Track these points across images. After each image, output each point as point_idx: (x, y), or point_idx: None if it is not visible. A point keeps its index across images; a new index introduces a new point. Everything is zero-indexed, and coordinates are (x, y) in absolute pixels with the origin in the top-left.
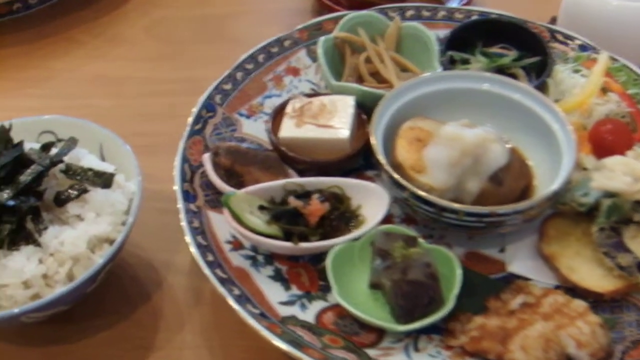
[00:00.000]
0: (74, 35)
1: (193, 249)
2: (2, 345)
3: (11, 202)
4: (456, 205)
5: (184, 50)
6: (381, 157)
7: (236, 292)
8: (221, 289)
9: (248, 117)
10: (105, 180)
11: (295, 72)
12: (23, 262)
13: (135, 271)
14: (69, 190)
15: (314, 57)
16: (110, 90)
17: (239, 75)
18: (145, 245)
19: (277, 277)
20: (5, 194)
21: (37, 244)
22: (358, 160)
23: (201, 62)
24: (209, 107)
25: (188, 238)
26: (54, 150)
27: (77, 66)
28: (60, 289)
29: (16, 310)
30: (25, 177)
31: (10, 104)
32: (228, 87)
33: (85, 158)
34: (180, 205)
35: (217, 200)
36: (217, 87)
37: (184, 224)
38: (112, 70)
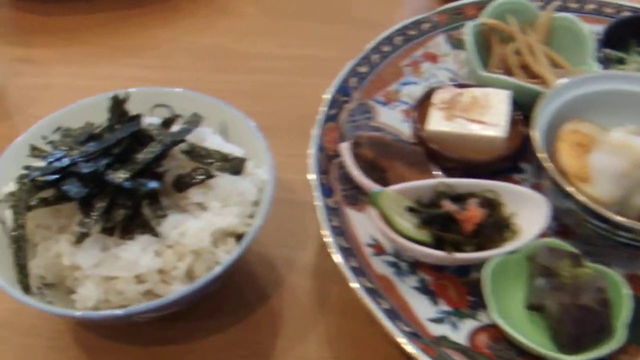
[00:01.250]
0: (179, 4)
1: (336, 253)
2: (102, 342)
3: (127, 184)
4: (636, 224)
5: (295, 26)
6: (546, 161)
7: (385, 305)
8: (370, 302)
9: (384, 104)
10: (234, 165)
11: (433, 58)
12: (137, 254)
13: (253, 269)
14: (193, 174)
15: (453, 44)
16: (216, 65)
17: (374, 57)
18: (263, 240)
19: (423, 289)
20: (122, 174)
21: (154, 233)
22: (510, 162)
23: (313, 40)
24: (344, 90)
25: (329, 240)
26: (175, 127)
27: (182, 36)
28: (179, 288)
29: (120, 312)
30: (144, 155)
31: (107, 72)
32: (364, 69)
33: (209, 138)
34: (318, 201)
35: (355, 197)
36: (352, 70)
37: (324, 222)
38: (218, 43)
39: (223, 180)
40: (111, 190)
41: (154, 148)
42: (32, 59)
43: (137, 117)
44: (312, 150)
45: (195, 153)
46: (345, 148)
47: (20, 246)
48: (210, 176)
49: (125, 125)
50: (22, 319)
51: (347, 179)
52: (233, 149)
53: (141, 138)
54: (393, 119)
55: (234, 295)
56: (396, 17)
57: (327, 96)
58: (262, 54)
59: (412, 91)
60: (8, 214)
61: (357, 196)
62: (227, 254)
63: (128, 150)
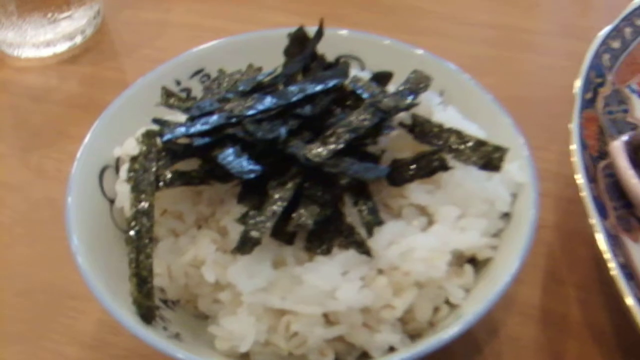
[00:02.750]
0: None
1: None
2: None
3: (330, 166)
4: None
5: None
6: None
7: None
8: None
9: None
10: (487, 155)
11: None
12: (334, 279)
13: None
14: (420, 161)
15: None
16: (395, 23)
17: (627, 31)
18: None
19: None
20: (319, 148)
21: (364, 249)
22: None
23: (519, 10)
24: (597, 69)
25: (624, 288)
26: (390, 88)
27: None
28: (390, 339)
29: None
30: (357, 122)
31: (243, 14)
32: (616, 45)
33: (438, 111)
34: (598, 226)
35: (626, 219)
36: (604, 42)
37: (612, 258)
38: None
39: (462, 176)
40: (297, 173)
41: (368, 115)
42: None
43: (342, 65)
44: (575, 148)
45: (424, 130)
46: (619, 149)
47: (143, 246)
48: (444, 167)
49: (320, 76)
50: (119, 340)
51: (616, 191)
52: (474, 130)
53: (340, 98)
54: None
55: None
56: None
57: (581, 75)
58: (462, 19)
59: None
60: (122, 191)
61: (627, 218)
62: (463, 290)
63: (323, 114)
